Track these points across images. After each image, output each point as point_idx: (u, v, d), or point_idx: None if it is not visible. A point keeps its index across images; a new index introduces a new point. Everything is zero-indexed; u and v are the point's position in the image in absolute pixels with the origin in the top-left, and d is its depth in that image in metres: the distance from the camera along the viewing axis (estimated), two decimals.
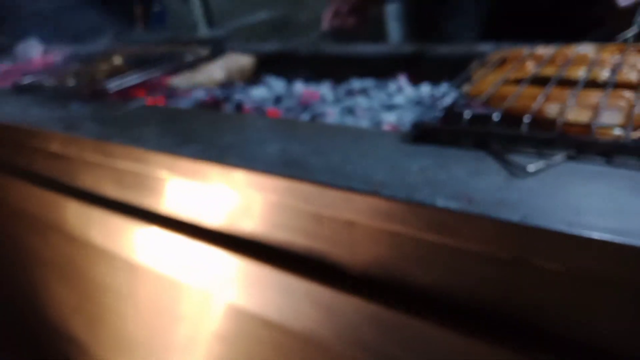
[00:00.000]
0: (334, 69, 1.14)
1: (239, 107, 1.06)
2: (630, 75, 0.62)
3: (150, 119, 0.86)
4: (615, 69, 0.64)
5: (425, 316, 0.49)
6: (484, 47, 0.98)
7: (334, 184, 0.52)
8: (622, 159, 0.49)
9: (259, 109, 1.00)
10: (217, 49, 1.28)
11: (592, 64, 0.68)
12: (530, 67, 0.71)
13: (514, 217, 0.41)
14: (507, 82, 0.69)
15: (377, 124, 0.85)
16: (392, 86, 1.00)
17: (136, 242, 0.85)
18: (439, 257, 0.48)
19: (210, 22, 2.81)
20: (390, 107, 0.92)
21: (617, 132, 0.53)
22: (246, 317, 0.71)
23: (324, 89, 1.06)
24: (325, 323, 0.60)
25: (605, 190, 0.44)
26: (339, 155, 0.59)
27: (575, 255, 0.39)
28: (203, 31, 2.63)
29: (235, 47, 1.32)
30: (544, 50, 0.76)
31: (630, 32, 0.80)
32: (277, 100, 1.07)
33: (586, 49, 0.73)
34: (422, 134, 0.59)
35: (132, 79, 1.09)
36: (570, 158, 0.51)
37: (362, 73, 1.08)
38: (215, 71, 1.10)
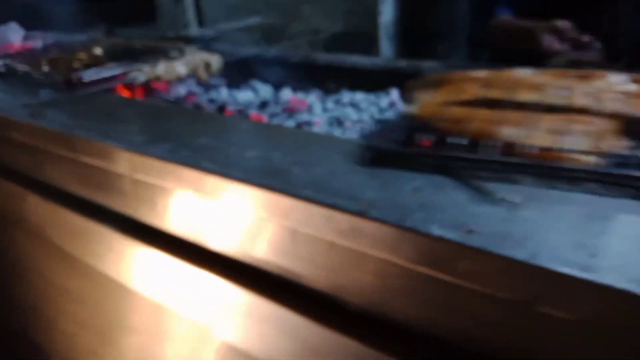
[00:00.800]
0: (325, 79, 1.08)
1: (221, 108, 0.99)
2: (582, 100, 0.61)
3: (123, 113, 0.79)
4: (566, 94, 0.63)
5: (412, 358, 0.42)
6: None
7: (317, 199, 0.45)
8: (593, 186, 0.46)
9: (242, 112, 0.93)
10: (203, 47, 1.21)
11: (539, 88, 0.65)
12: (473, 90, 0.68)
13: (521, 254, 0.35)
14: (454, 104, 0.65)
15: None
16: (384, 100, 0.94)
17: (97, 245, 0.77)
18: (430, 291, 0.41)
19: (202, 23, 2.73)
20: (380, 122, 0.86)
21: (583, 157, 0.50)
22: (203, 332, 0.63)
23: (312, 98, 1.00)
24: (292, 352, 0.52)
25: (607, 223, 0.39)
26: (325, 167, 0.53)
27: (590, 304, 0.33)
28: (194, 32, 2.55)
29: (221, 48, 1.25)
30: (481, 74, 0.73)
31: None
32: (263, 105, 1.00)
33: (525, 74, 0.71)
34: (378, 159, 0.53)
35: (108, 71, 1.00)
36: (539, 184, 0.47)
37: (354, 84, 1.02)
38: (177, 66, 1.02)
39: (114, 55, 1.17)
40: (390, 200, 0.44)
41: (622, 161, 0.49)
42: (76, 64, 1.10)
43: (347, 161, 0.54)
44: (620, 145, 0.52)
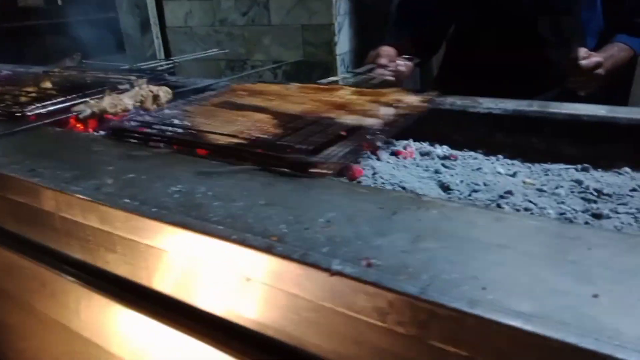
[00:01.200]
0: None
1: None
2: (270, 103, 0.87)
3: (59, 147, 0.77)
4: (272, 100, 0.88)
5: None
6: None
7: (227, 235, 0.44)
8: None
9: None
10: (155, 79, 1.20)
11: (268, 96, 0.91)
12: (239, 96, 0.95)
13: (413, 288, 0.35)
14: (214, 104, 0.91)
15: None
16: None
17: (29, 281, 0.74)
18: (337, 325, 0.41)
19: (168, 54, 2.73)
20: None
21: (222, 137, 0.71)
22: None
23: None
24: None
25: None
26: (246, 200, 0.52)
27: (477, 339, 0.33)
28: (158, 62, 2.55)
29: (175, 80, 1.25)
30: (257, 85, 1.02)
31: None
32: None
33: (288, 87, 0.99)
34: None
35: (53, 105, 0.99)
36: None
37: None
38: (123, 99, 1.01)
39: (63, 88, 1.16)
40: (299, 235, 0.44)
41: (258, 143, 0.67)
42: (23, 98, 1.07)
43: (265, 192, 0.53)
44: (267, 133, 0.71)
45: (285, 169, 0.60)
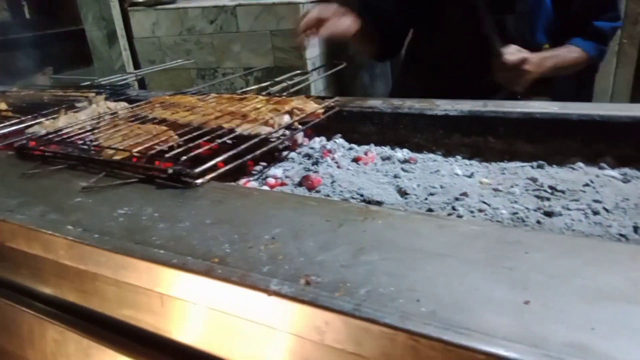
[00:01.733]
0: None
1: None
2: (176, 115, 0.87)
3: (8, 173, 0.75)
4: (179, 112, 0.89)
5: None
6: None
7: (169, 262, 0.44)
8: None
9: None
10: (116, 94, 1.18)
11: (179, 107, 0.92)
12: (152, 108, 0.96)
13: (348, 305, 0.35)
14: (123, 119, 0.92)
15: None
16: None
17: None
18: (280, 344, 0.40)
19: (136, 65, 2.70)
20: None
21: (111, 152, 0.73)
22: None
23: None
24: None
25: None
26: (193, 220, 0.51)
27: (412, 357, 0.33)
28: (125, 74, 2.51)
29: (135, 95, 1.23)
30: (174, 97, 1.03)
31: None
32: None
33: (203, 97, 1.01)
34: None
35: (8, 127, 0.96)
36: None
37: None
38: (80, 117, 1.00)
39: (20, 109, 1.13)
40: (242, 254, 0.43)
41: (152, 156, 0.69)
42: None
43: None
44: (161, 145, 0.72)
45: (167, 181, 0.62)
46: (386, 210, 0.50)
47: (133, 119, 0.88)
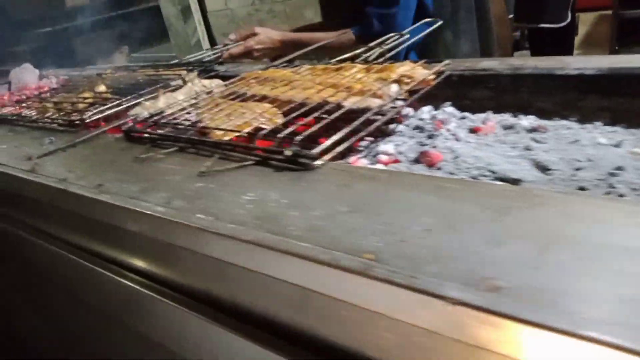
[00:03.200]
0: None
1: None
2: (275, 91, 0.81)
3: (120, 158, 0.74)
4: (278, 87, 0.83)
5: None
6: None
7: (316, 257, 0.39)
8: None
9: None
10: (206, 71, 1.16)
11: (275, 82, 0.87)
12: (248, 85, 0.91)
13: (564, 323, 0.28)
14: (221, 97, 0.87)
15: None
16: None
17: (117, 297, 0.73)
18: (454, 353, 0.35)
19: (212, 40, 2.70)
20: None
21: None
22: None
23: None
24: None
25: None
26: (326, 208, 0.47)
27: None
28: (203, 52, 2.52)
29: (224, 70, 1.20)
30: (267, 71, 0.97)
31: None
32: None
33: (296, 70, 0.94)
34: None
35: (110, 109, 0.97)
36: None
37: None
38: (178, 98, 0.98)
39: (118, 90, 1.15)
40: (397, 250, 0.38)
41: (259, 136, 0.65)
42: (81, 105, 1.07)
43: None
44: (269, 124, 0.69)
45: (286, 164, 0.58)
46: (554, 195, 0.43)
47: (232, 96, 0.85)
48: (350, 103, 0.69)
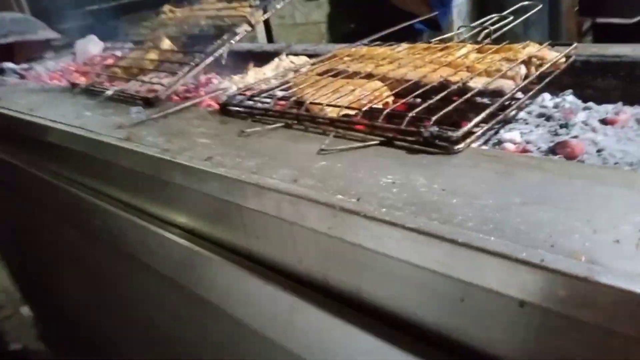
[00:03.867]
0: None
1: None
2: (382, 68, 0.75)
3: (223, 131, 0.70)
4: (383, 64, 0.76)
5: None
6: None
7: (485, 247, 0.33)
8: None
9: None
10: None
11: (379, 60, 0.80)
12: (343, 62, 0.83)
13: None
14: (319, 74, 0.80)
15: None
16: None
17: (205, 274, 0.69)
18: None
19: (266, 23, 2.65)
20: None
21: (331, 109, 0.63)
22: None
23: None
24: None
25: None
26: (494, 197, 0.41)
27: None
28: None
29: (303, 49, 1.14)
30: (362, 49, 0.90)
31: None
32: None
33: (397, 48, 0.87)
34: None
35: (183, 79, 0.90)
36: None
37: None
38: (267, 73, 0.93)
39: (185, 45, 1.07)
40: (613, 252, 0.32)
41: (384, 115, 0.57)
42: (148, 66, 1.02)
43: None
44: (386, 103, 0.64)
45: (420, 146, 0.52)
46: None
47: (332, 73, 0.79)
48: (480, 84, 0.63)
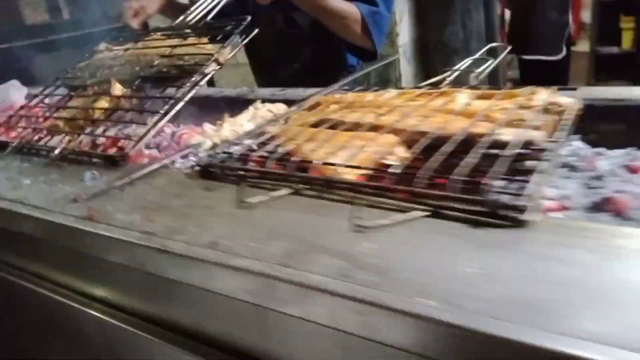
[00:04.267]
0: None
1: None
2: (387, 118, 0.66)
3: (216, 202, 0.57)
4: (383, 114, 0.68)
5: None
6: None
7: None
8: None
9: None
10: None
11: (373, 108, 0.72)
12: (330, 111, 0.75)
13: None
14: (301, 124, 0.72)
15: None
16: None
17: None
18: None
19: None
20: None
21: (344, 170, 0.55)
22: None
23: None
24: None
25: None
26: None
27: None
28: None
29: (270, 94, 1.04)
30: (348, 96, 0.82)
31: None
32: None
33: (386, 95, 0.78)
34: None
35: (154, 131, 0.76)
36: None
37: None
38: (244, 124, 0.82)
39: (137, 88, 0.91)
40: None
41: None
42: (97, 116, 0.85)
43: None
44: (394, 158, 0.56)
45: (485, 217, 0.43)
46: None
47: (328, 124, 0.69)
48: (511, 136, 0.56)
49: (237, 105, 1.06)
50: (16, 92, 1.52)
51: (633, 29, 3.46)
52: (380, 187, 0.50)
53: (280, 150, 0.64)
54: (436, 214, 0.46)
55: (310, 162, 0.56)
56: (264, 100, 0.93)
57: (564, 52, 2.62)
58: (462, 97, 0.72)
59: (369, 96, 0.80)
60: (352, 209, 0.48)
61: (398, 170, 0.51)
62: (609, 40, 3.54)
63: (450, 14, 2.30)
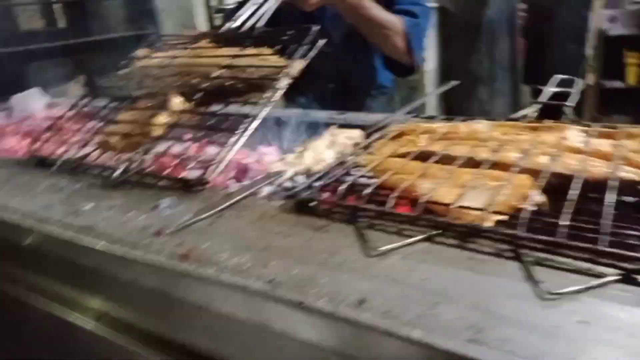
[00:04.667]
0: None
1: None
2: (509, 155, 0.60)
3: (335, 245, 0.49)
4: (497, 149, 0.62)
5: None
6: None
7: None
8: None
9: None
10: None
11: (479, 141, 0.66)
12: (423, 142, 0.69)
13: None
14: (398, 156, 0.66)
15: None
16: None
17: None
18: None
19: None
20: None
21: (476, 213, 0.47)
22: None
23: None
24: None
25: None
26: None
27: None
28: None
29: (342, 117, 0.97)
30: (438, 125, 0.74)
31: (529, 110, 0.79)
32: None
33: (480, 126, 0.71)
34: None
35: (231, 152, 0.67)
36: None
37: None
38: (323, 152, 0.73)
39: (197, 103, 0.83)
40: None
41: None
42: (155, 132, 0.76)
43: None
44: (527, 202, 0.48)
45: None
46: None
47: (435, 158, 0.62)
48: None
49: (287, 126, 0.99)
50: (35, 102, 1.41)
51: (638, 65, 3.50)
52: (554, 243, 0.42)
53: (383, 185, 0.56)
54: (627, 278, 0.38)
55: (447, 205, 0.48)
56: (328, 124, 0.86)
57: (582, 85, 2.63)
58: (574, 134, 0.65)
59: (462, 127, 0.73)
60: (525, 268, 0.40)
61: (569, 223, 0.43)
62: (613, 75, 3.57)
63: (476, 41, 2.27)
